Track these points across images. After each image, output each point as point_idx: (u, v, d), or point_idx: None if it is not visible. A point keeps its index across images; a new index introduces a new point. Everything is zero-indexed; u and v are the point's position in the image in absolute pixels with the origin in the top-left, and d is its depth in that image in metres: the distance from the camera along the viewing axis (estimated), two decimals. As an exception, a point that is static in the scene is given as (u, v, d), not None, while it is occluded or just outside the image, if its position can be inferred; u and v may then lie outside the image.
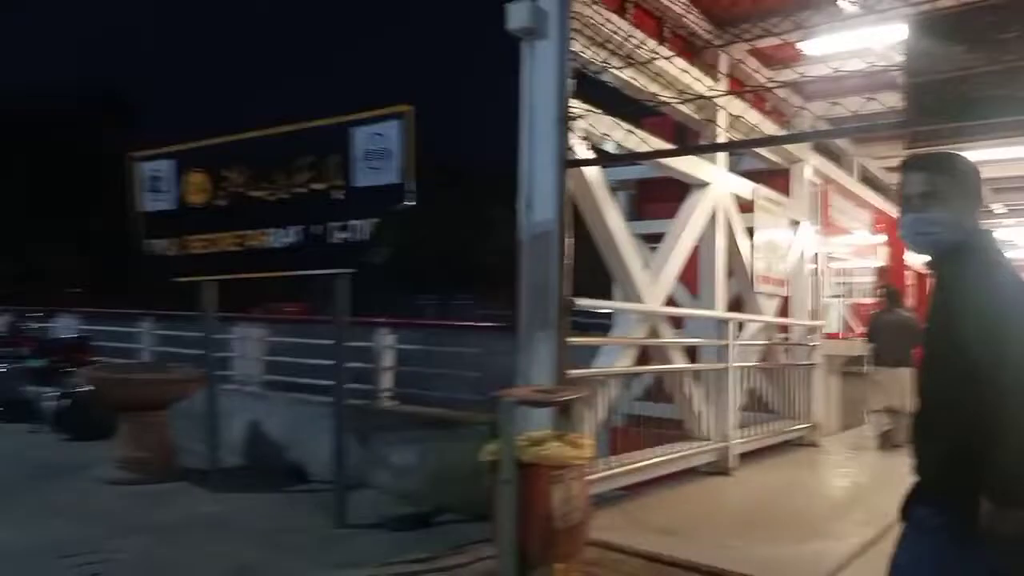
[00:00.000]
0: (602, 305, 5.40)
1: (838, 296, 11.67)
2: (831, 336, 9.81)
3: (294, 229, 5.19)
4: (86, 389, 7.72)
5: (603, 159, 5.07)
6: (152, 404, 6.52)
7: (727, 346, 6.59)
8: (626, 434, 5.95)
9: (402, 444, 5.87)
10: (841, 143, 10.10)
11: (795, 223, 8.53)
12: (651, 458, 5.65)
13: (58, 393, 8.15)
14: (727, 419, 6.55)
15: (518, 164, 4.84)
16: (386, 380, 6.40)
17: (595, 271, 5.68)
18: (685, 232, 6.34)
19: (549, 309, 4.69)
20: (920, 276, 13.93)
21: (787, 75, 6.74)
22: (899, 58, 5.76)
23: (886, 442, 8.57)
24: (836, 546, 4.51)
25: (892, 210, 12.62)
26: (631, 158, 4.98)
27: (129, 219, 5.99)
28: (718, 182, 6.79)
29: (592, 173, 5.12)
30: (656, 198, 8.73)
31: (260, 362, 7.49)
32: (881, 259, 12.48)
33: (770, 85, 6.38)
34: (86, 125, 37.83)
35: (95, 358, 8.60)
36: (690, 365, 6.24)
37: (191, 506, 5.71)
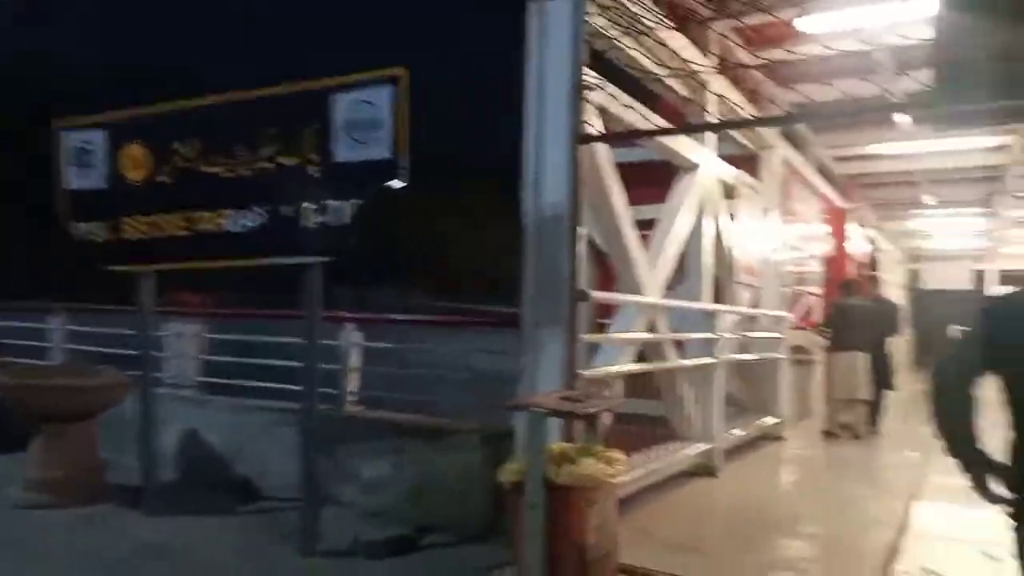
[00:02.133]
0: (613, 298, 4.90)
1: (788, 286, 11.64)
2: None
3: (257, 210, 4.44)
4: (-13, 395, 6.64)
5: (620, 135, 4.57)
6: (72, 414, 5.59)
7: (715, 340, 6.23)
8: (615, 434, 5.48)
9: (374, 455, 5.21)
10: (802, 131, 9.97)
11: (766, 211, 8.31)
12: (649, 464, 5.21)
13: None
14: (713, 417, 6.20)
15: (523, 139, 4.26)
16: (352, 382, 5.70)
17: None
18: (678, 218, 5.92)
19: (560, 302, 4.15)
20: (860, 265, 14.17)
21: (777, 55, 6.40)
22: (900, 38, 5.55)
23: (847, 433, 8.53)
24: (865, 544, 4.19)
25: (838, 200, 12.71)
26: (650, 134, 4.51)
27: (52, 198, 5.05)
28: (707, 165, 6.40)
29: (602, 152, 4.61)
30: (633, 184, 8.39)
31: (198, 362, 6.62)
32: (828, 248, 12.56)
33: (760, 62, 6.02)
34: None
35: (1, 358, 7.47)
36: (686, 361, 5.84)
37: (124, 533, 4.89)
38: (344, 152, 4.14)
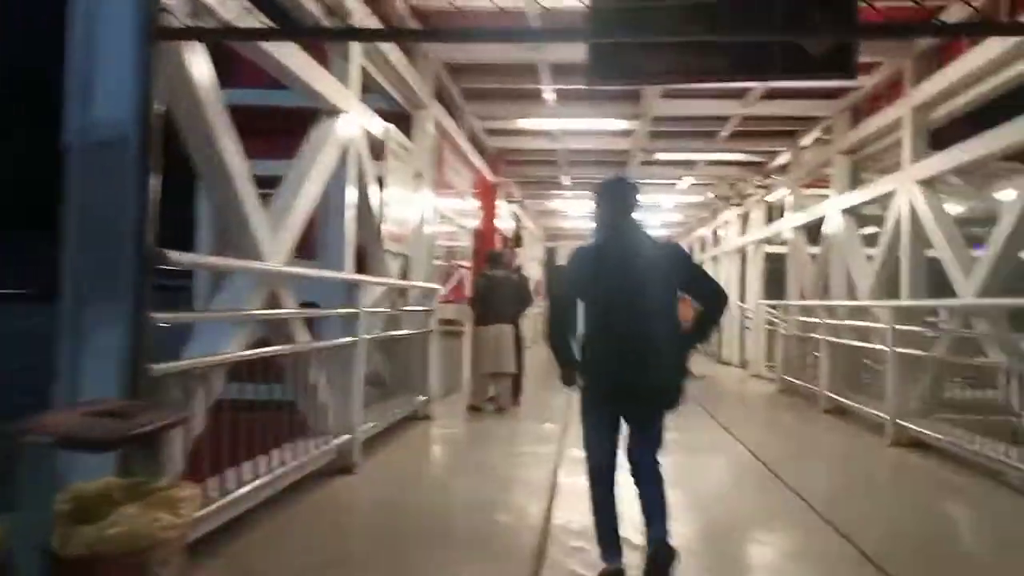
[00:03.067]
0: (208, 263, 3.64)
1: (440, 257, 11.32)
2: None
3: None
4: None
5: (216, 32, 3.31)
6: None
7: (357, 315, 5.35)
8: (216, 435, 4.23)
9: None
10: (457, 99, 9.56)
11: (418, 176, 7.66)
12: (262, 475, 4.12)
13: None
14: (352, 405, 5.35)
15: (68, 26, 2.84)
16: None
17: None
18: (314, 172, 4.87)
19: (120, 265, 2.86)
20: (505, 240, 14.56)
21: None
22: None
23: (492, 406, 8.42)
24: (512, 544, 3.67)
25: (489, 174, 12.77)
26: (257, 35, 3.37)
27: None
28: (352, 113, 5.44)
29: (202, 74, 3.35)
30: (251, 133, 7.13)
31: None
32: (478, 222, 12.55)
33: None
34: None
35: None
36: (320, 343, 4.84)
37: None
38: None
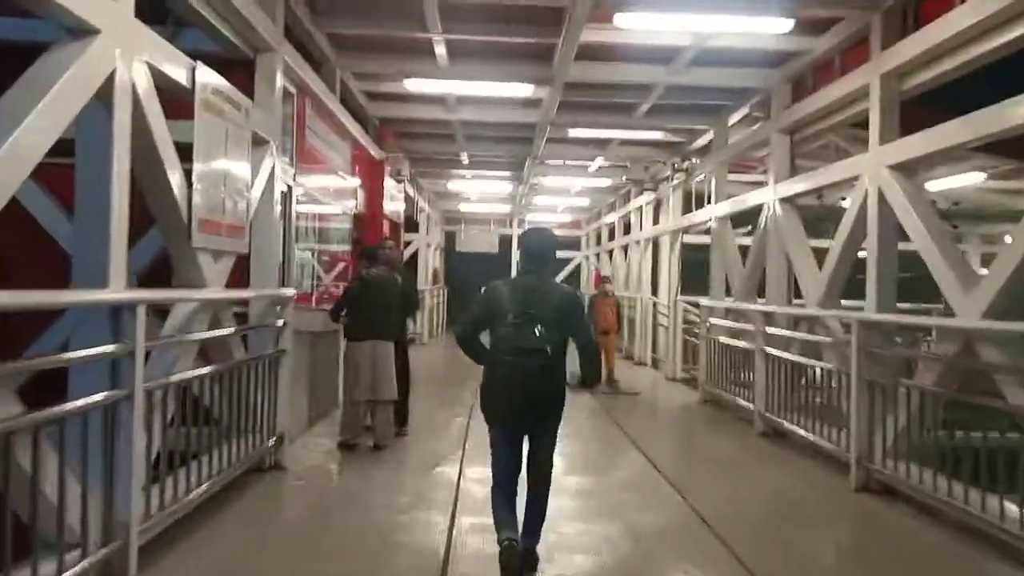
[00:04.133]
0: None
1: (309, 249, 9.28)
2: (301, 300, 7.30)
3: None
4: None
5: None
6: None
7: (130, 356, 3.40)
8: None
9: None
10: (324, 47, 7.54)
11: (261, 142, 5.65)
12: None
13: None
14: (123, 497, 3.43)
15: None
16: None
17: None
18: (28, 127, 2.85)
19: None
20: (394, 226, 12.63)
21: None
22: None
23: (368, 439, 6.63)
24: None
25: (373, 148, 10.79)
26: None
27: None
28: (120, 36, 3.42)
29: None
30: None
31: None
32: (359, 206, 10.56)
33: None
34: None
35: None
36: (41, 413, 2.85)
37: None
38: None
